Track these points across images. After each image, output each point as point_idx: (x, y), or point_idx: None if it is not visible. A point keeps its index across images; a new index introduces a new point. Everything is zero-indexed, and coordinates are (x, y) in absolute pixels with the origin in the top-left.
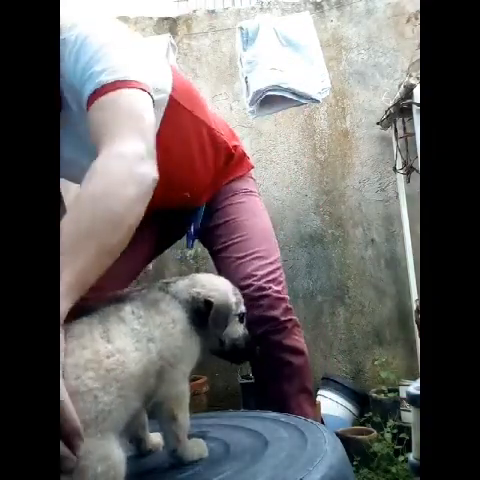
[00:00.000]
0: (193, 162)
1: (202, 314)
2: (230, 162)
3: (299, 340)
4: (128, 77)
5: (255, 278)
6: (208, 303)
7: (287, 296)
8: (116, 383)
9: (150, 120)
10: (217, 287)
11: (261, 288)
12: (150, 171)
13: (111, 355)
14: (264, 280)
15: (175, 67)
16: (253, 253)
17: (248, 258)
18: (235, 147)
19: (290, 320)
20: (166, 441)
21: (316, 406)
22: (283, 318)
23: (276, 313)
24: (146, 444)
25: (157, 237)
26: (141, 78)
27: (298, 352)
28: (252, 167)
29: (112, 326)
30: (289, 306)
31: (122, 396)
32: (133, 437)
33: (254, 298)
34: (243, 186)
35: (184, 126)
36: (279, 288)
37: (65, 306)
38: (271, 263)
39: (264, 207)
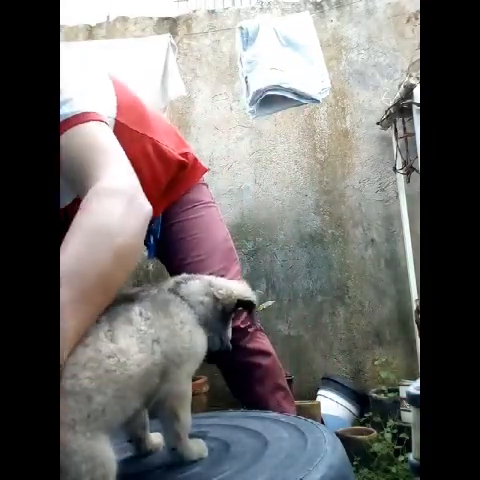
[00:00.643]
0: (143, 180)
1: (225, 314)
2: (183, 171)
3: (263, 342)
4: (86, 109)
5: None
6: (249, 303)
7: None
8: (114, 384)
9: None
10: (247, 288)
11: None
12: (146, 203)
13: (112, 355)
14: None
15: (117, 80)
16: (213, 272)
17: None
18: (185, 154)
19: (251, 326)
20: (166, 439)
21: (294, 403)
22: (243, 325)
23: (237, 323)
24: (146, 444)
25: None
26: (96, 109)
27: (264, 353)
28: (206, 170)
29: (118, 326)
30: None
31: (119, 397)
32: (133, 437)
33: None
34: (199, 197)
35: (130, 147)
36: None
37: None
38: (230, 280)
39: (220, 215)
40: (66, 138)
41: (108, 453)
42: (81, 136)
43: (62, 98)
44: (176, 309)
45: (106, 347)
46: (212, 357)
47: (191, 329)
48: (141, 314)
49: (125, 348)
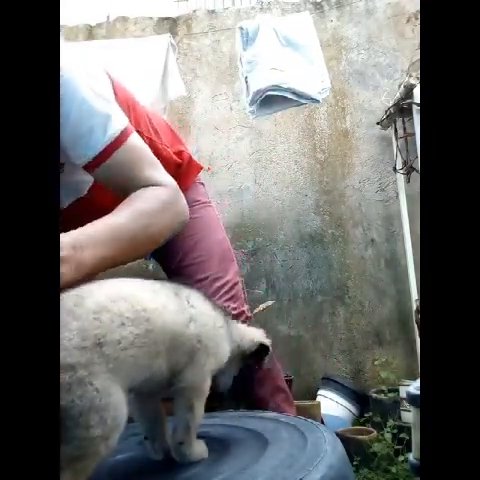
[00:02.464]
0: None
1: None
2: (179, 170)
3: None
4: (125, 123)
5: (215, 299)
6: (265, 348)
7: (244, 308)
8: (145, 339)
9: None
10: (262, 333)
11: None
12: (186, 210)
13: (150, 312)
14: (223, 300)
15: (112, 77)
16: (211, 275)
17: (207, 281)
18: (180, 153)
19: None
20: (175, 433)
21: (294, 405)
22: None
23: None
24: (162, 442)
25: None
26: (126, 119)
27: None
28: (201, 168)
29: (166, 292)
30: (248, 315)
31: (146, 353)
32: (149, 433)
33: None
34: (196, 197)
35: None
36: (236, 304)
37: (71, 275)
38: (228, 281)
39: (217, 215)
40: (120, 152)
41: (121, 399)
42: (132, 149)
43: (103, 116)
44: (220, 312)
45: (149, 303)
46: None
47: (223, 334)
48: (188, 297)
49: (168, 306)
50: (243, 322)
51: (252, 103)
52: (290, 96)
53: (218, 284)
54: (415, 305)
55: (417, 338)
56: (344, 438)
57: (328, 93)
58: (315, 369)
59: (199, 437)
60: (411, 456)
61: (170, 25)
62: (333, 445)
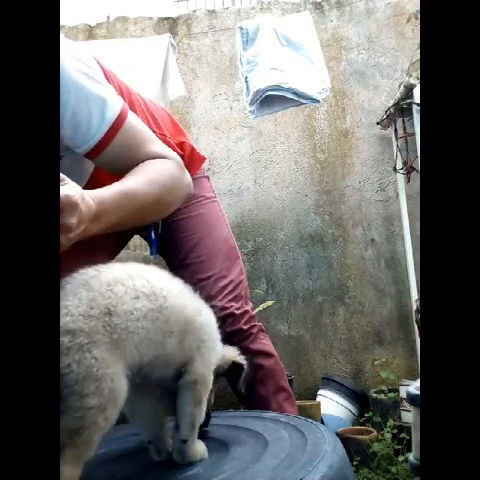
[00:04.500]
0: None
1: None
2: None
3: (266, 343)
4: (121, 105)
5: (218, 299)
6: (239, 366)
7: (248, 307)
8: (163, 300)
9: None
10: (237, 352)
11: (224, 308)
12: (191, 184)
13: (172, 287)
14: (226, 300)
15: (104, 66)
16: (214, 274)
17: (211, 280)
18: (182, 144)
19: (254, 326)
20: (178, 431)
21: (296, 404)
22: (246, 327)
23: (239, 325)
24: (166, 445)
25: (117, 236)
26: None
27: (267, 354)
28: (204, 159)
29: (180, 282)
30: (252, 314)
31: (159, 320)
32: (152, 437)
33: (218, 318)
34: (201, 192)
35: None
36: (239, 304)
37: (81, 228)
38: (232, 281)
39: (222, 211)
40: (121, 135)
41: (121, 375)
42: (132, 129)
43: (99, 101)
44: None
45: (167, 283)
46: None
47: (218, 334)
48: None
49: (178, 291)
50: (246, 321)
51: (252, 103)
52: (290, 96)
53: (221, 284)
54: (415, 305)
55: (417, 338)
56: (344, 438)
57: (328, 93)
58: (315, 369)
59: (199, 437)
60: (411, 456)
61: (170, 25)
62: (333, 445)
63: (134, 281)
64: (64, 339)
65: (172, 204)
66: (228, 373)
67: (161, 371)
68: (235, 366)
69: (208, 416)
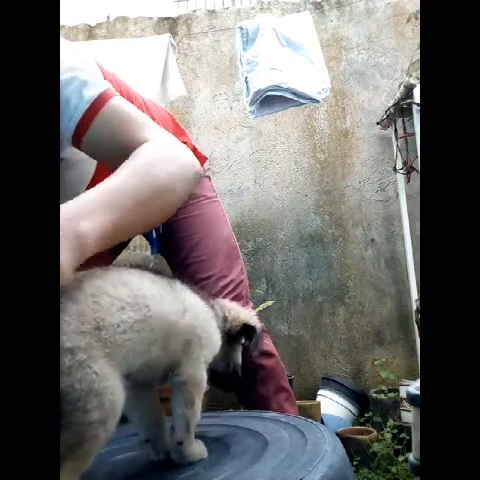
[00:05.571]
0: None
1: (230, 336)
2: None
3: (267, 343)
4: (105, 86)
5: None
6: (251, 328)
7: (249, 307)
8: (146, 310)
9: None
10: (253, 316)
11: None
12: (195, 161)
13: (153, 293)
14: (227, 299)
15: (102, 66)
16: (215, 274)
17: (212, 279)
18: (184, 144)
19: None
20: (174, 433)
21: (296, 404)
22: None
23: None
24: (163, 443)
25: None
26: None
27: (268, 354)
28: (206, 159)
29: (161, 283)
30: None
31: (143, 338)
32: (150, 436)
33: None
34: (202, 192)
35: None
36: (240, 303)
37: (87, 251)
38: (232, 280)
39: (223, 210)
40: (103, 115)
41: (118, 385)
42: (116, 110)
43: (77, 83)
44: (206, 302)
45: (148, 290)
46: (223, 382)
47: (214, 326)
48: (181, 289)
49: (160, 296)
50: None
51: (252, 103)
52: (290, 96)
53: (222, 283)
54: (415, 305)
55: (417, 338)
56: (344, 438)
57: (328, 93)
58: (315, 369)
59: (199, 437)
60: (411, 456)
61: (170, 25)
62: (333, 445)
63: (118, 290)
64: (65, 359)
65: (175, 184)
66: (239, 335)
67: (148, 376)
68: (246, 328)
69: (236, 375)
